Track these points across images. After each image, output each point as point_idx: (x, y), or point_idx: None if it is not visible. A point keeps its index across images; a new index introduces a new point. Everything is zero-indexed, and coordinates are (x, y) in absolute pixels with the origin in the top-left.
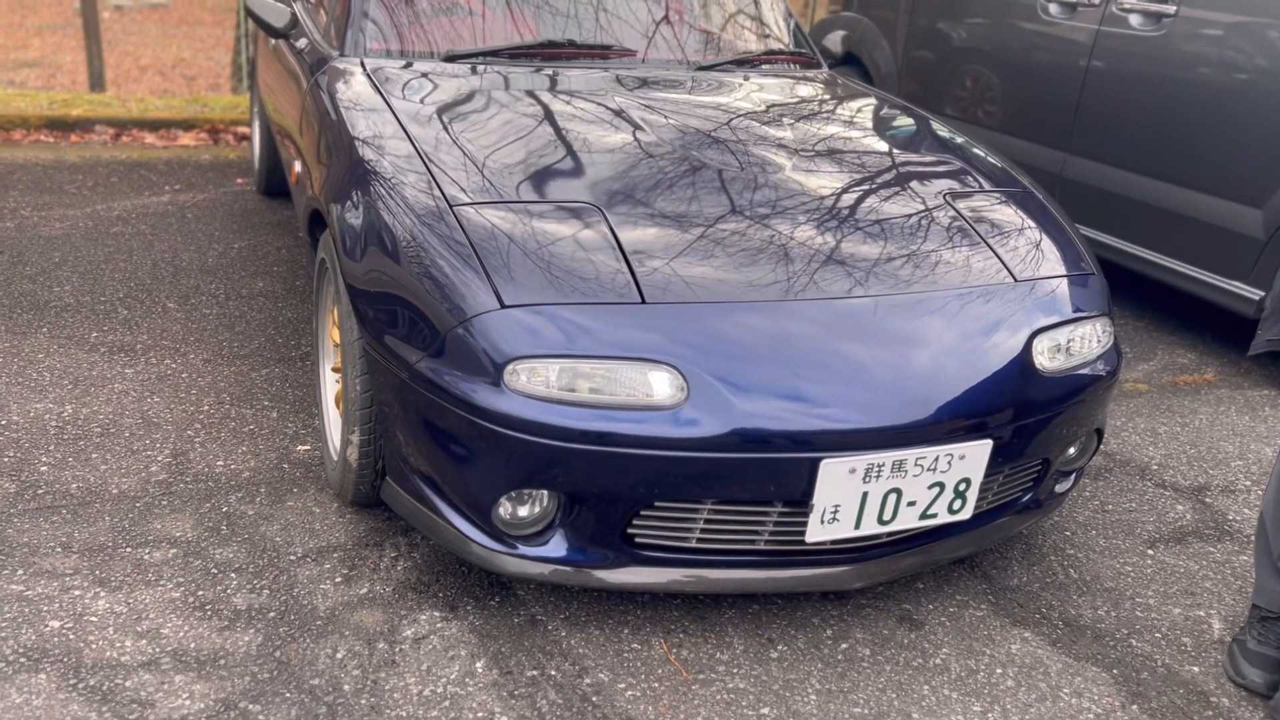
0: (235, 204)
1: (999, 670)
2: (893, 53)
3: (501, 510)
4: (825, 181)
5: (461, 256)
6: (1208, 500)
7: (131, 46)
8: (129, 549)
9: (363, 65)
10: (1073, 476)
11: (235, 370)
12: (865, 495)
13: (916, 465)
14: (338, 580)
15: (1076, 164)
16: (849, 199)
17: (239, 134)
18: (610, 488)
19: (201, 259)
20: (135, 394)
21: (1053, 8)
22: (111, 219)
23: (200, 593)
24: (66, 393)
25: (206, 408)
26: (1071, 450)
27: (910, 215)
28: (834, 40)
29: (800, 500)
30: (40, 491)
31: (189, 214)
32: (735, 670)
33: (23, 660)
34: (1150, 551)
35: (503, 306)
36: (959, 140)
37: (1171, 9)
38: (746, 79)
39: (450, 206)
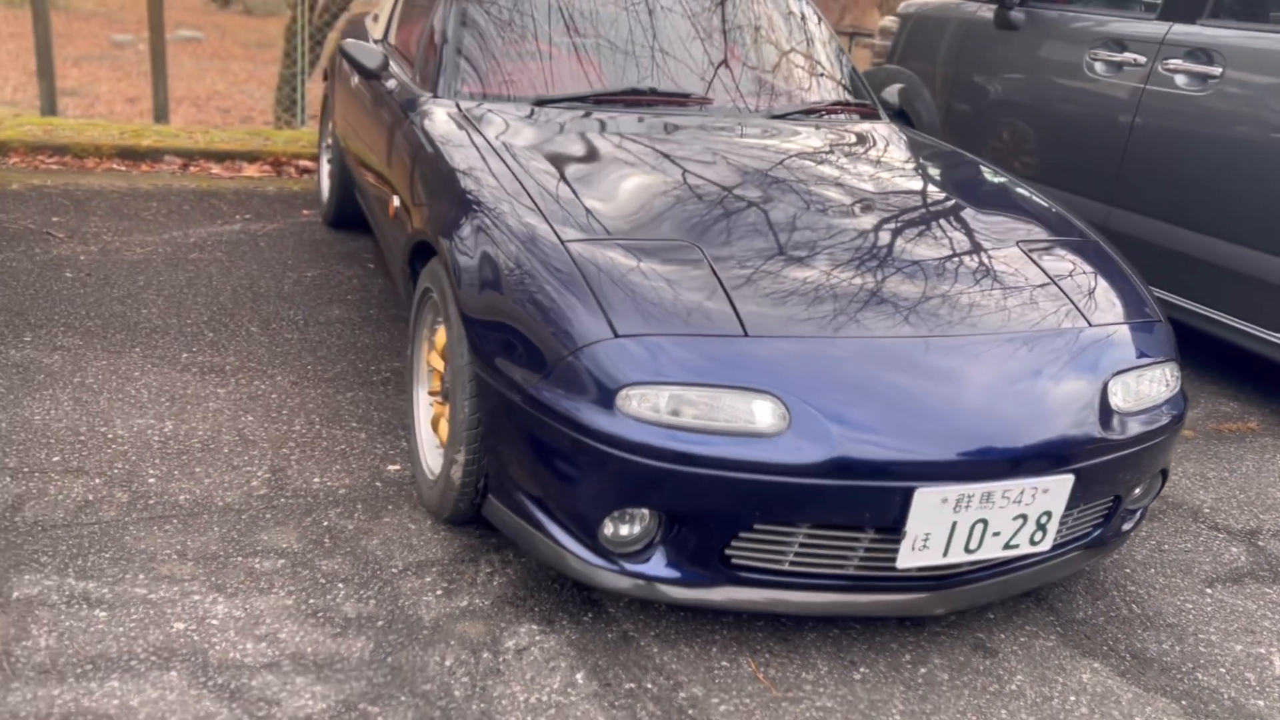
0: (304, 234)
1: (1072, 698)
2: (935, 103)
3: (607, 528)
4: (906, 226)
5: (575, 289)
6: (1260, 544)
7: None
8: (240, 558)
9: (458, 106)
10: (1137, 515)
11: (321, 392)
12: (955, 524)
13: (1003, 497)
14: (439, 593)
15: (1120, 216)
16: (931, 243)
17: (301, 167)
18: (713, 509)
19: (278, 286)
20: (229, 412)
21: (1099, 65)
22: (189, 245)
23: (311, 601)
24: (165, 409)
25: (298, 427)
26: (1139, 489)
27: (989, 261)
28: (891, 93)
29: (892, 527)
30: (151, 502)
31: (261, 242)
32: (821, 689)
33: (154, 659)
34: (1208, 590)
35: (616, 336)
36: (1021, 190)
37: (1217, 70)
38: (817, 127)
39: (561, 242)
